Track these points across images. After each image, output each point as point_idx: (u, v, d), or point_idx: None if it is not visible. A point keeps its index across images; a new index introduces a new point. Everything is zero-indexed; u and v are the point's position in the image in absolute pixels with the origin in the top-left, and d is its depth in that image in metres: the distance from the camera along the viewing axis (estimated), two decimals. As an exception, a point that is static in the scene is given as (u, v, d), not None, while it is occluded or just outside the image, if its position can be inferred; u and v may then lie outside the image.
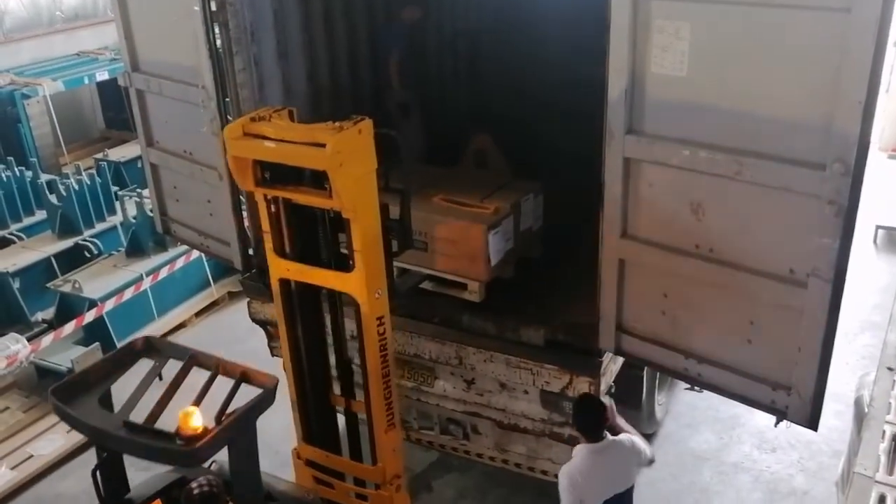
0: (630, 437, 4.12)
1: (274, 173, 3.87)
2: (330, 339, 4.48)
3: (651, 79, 3.62)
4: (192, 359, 3.92)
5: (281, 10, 5.24)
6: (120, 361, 4.03)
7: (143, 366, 4.00)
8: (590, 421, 4.02)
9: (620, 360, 4.68)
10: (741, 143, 3.45)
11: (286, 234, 4.04)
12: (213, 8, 4.71)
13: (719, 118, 3.48)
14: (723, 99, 3.45)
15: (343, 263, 4.00)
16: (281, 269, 4.12)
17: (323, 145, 3.55)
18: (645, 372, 5.40)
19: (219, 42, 4.86)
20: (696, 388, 5.42)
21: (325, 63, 5.87)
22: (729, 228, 3.65)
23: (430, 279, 4.99)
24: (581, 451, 4.00)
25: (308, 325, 4.30)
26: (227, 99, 4.99)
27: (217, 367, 3.88)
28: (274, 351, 5.48)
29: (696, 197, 3.69)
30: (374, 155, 3.75)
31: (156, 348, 4.10)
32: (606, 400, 4.46)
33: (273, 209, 3.99)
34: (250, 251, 5.34)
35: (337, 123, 3.66)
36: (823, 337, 3.49)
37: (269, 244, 4.08)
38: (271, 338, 5.48)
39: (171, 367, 3.96)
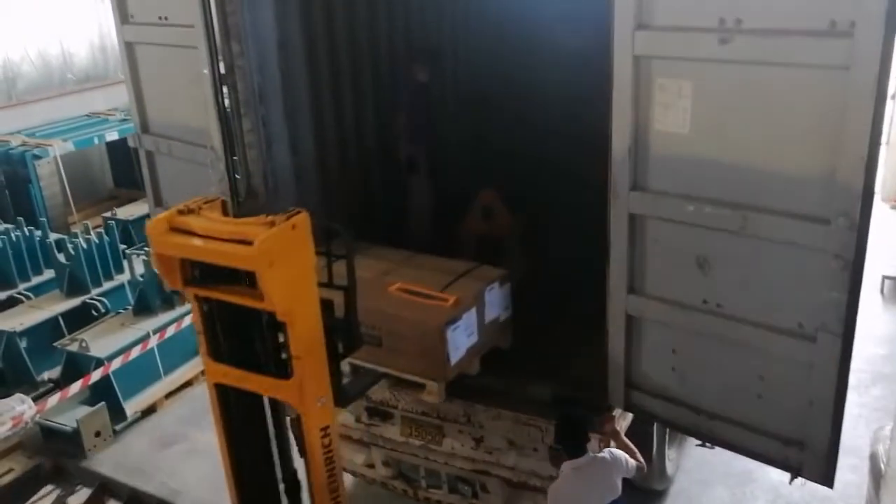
0: (612, 451, 4.19)
1: (204, 271, 3.56)
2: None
3: (654, 136, 3.67)
4: (103, 488, 3.70)
5: (288, 73, 5.34)
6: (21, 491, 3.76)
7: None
8: (569, 437, 4.10)
9: (630, 415, 4.64)
10: (745, 197, 3.48)
11: (221, 336, 3.68)
12: (222, 71, 4.80)
13: (723, 173, 3.52)
14: (726, 154, 3.49)
15: (285, 369, 3.61)
16: (217, 374, 3.74)
17: (252, 242, 3.26)
18: (655, 427, 5.35)
19: (227, 103, 4.94)
20: (707, 443, 5.36)
21: (332, 120, 5.96)
22: (736, 283, 3.66)
23: (387, 377, 4.68)
24: (564, 467, 4.08)
25: (249, 434, 3.85)
26: (235, 158, 5.05)
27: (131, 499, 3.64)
28: (281, 409, 5.44)
29: (703, 252, 3.70)
30: (311, 252, 3.44)
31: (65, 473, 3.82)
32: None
33: (206, 309, 3.65)
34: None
35: (270, 217, 3.39)
36: (835, 391, 3.47)
37: (202, 347, 3.74)
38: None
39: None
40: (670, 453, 5.91)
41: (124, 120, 11.63)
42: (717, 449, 5.14)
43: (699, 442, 6.03)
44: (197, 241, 3.42)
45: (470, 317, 4.58)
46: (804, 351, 3.48)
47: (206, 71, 4.74)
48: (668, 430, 5.55)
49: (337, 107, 6.00)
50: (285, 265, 3.33)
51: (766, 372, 3.69)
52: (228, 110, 4.95)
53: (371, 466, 5.33)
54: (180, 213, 3.54)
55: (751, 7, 3.25)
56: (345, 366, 4.18)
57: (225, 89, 4.89)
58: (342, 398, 3.88)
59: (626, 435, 4.75)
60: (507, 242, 6.08)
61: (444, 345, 4.36)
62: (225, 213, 3.68)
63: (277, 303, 3.37)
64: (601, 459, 4.12)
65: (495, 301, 4.79)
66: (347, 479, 5.54)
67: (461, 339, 4.52)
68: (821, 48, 3.11)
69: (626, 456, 4.20)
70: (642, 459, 4.29)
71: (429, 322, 4.39)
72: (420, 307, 4.53)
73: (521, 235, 6.11)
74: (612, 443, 4.34)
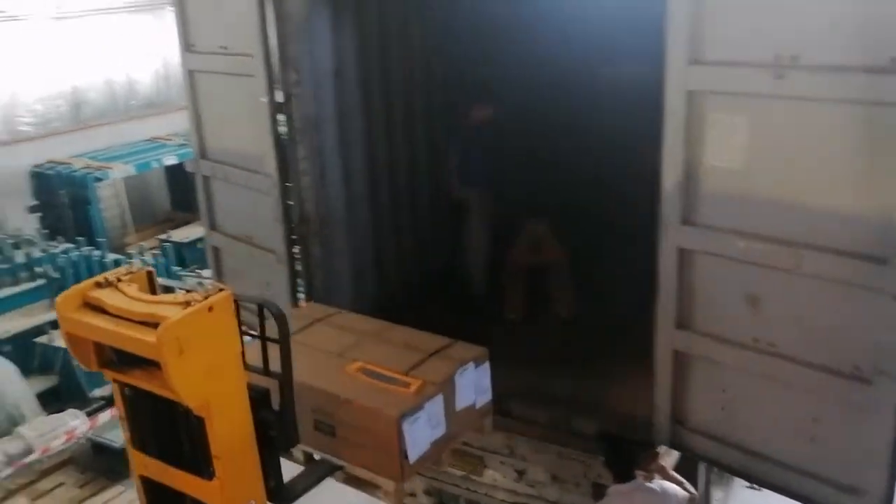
0: (662, 483, 4.09)
1: (121, 353, 3.16)
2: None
3: (706, 171, 3.64)
4: None
5: (343, 102, 5.43)
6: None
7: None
8: (618, 460, 4.04)
9: (676, 453, 4.55)
10: (800, 235, 3.41)
11: (143, 425, 3.34)
12: (280, 99, 4.91)
13: (777, 210, 3.46)
14: (780, 192, 3.44)
15: (208, 467, 3.19)
16: (140, 464, 3.40)
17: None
18: (702, 467, 5.23)
19: (283, 131, 5.04)
20: (755, 486, 5.22)
21: (384, 152, 6.02)
22: (788, 322, 3.58)
23: (342, 470, 4.18)
24: (610, 490, 4.01)
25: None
26: (289, 184, 5.14)
27: None
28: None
29: (753, 289, 3.63)
30: (233, 336, 3.04)
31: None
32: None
33: (128, 394, 3.28)
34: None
35: (186, 295, 2.99)
36: (893, 436, 3.35)
37: (125, 434, 3.44)
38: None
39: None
40: (717, 494, 5.77)
41: (183, 144, 11.96)
42: (766, 491, 5.01)
43: (748, 483, 5.90)
44: (104, 322, 3.02)
45: (435, 406, 3.95)
46: (860, 394, 3.38)
47: (263, 99, 4.86)
48: (715, 470, 5.42)
49: (389, 138, 6.07)
50: (200, 353, 2.90)
51: (820, 414, 3.58)
52: (284, 137, 5.06)
53: (413, 495, 5.31)
54: (98, 285, 3.15)
55: (807, 43, 3.22)
56: (297, 452, 4.03)
57: (281, 117, 5.01)
58: (284, 496, 3.47)
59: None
60: (555, 275, 6.06)
61: (399, 440, 3.76)
62: (152, 286, 3.26)
63: (187, 397, 2.95)
64: (649, 489, 4.05)
65: (469, 385, 4.19)
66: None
67: (422, 433, 3.89)
68: (879, 85, 3.06)
69: (677, 488, 4.12)
70: (693, 489, 4.21)
71: (384, 412, 3.80)
72: (377, 393, 3.96)
73: (568, 268, 6.08)
74: (659, 478, 4.26)
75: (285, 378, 3.34)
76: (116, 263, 9.13)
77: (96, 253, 9.52)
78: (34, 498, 6.61)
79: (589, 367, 5.06)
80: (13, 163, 11.80)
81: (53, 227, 11.21)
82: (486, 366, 4.29)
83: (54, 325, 8.53)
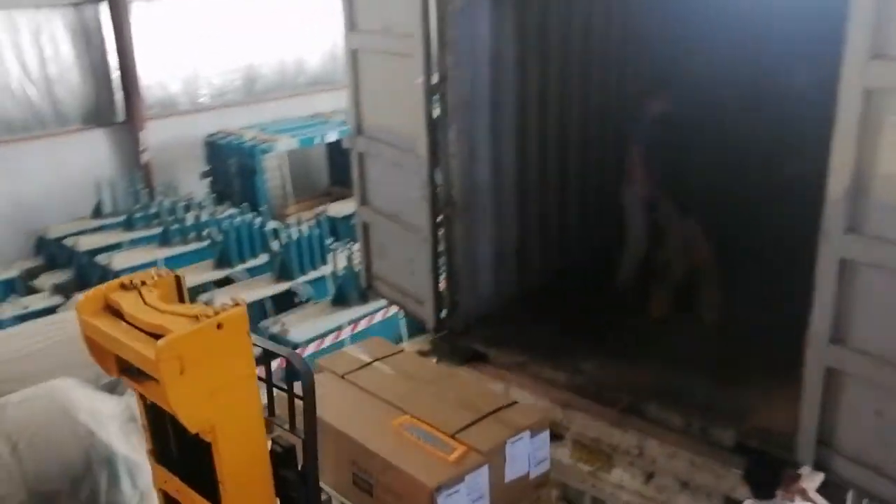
0: None
1: None
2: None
3: (878, 178, 3.37)
4: None
5: (498, 87, 5.44)
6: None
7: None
8: (761, 476, 3.85)
9: (820, 476, 4.27)
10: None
11: (162, 437, 3.20)
12: (435, 80, 4.98)
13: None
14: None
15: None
16: (159, 478, 3.29)
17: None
18: (850, 495, 4.89)
19: (436, 112, 5.11)
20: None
21: (536, 143, 5.97)
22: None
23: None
24: None
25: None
26: (438, 165, 5.21)
27: None
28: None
29: (923, 308, 3.34)
30: (247, 358, 2.81)
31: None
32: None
33: (149, 403, 3.13)
34: (443, 313, 5.49)
35: (198, 309, 2.79)
36: None
37: (147, 445, 3.33)
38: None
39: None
40: (865, 526, 5.38)
41: (344, 122, 12.38)
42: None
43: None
44: (115, 329, 2.88)
45: (477, 477, 3.64)
46: None
47: (419, 79, 4.94)
48: (866, 501, 5.05)
49: (541, 125, 6.01)
50: (204, 373, 2.68)
51: None
52: (437, 119, 5.12)
53: (537, 486, 5.29)
54: (122, 287, 3.01)
55: None
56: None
57: (436, 98, 5.08)
58: None
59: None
60: (704, 277, 5.82)
61: None
62: (180, 293, 3.09)
63: (187, 419, 2.74)
64: None
65: (522, 455, 3.85)
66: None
67: None
68: None
69: None
70: None
71: (419, 482, 3.54)
72: (417, 456, 3.70)
73: (718, 271, 5.82)
74: (800, 500, 4.02)
75: (309, 440, 3.09)
76: (275, 231, 9.62)
77: (258, 220, 10.05)
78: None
79: (731, 375, 4.84)
80: (191, 131, 12.66)
81: (222, 193, 11.94)
82: (545, 434, 3.97)
83: (217, 283, 9.12)
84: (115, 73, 12.02)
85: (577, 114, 6.31)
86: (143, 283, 3.00)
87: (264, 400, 3.20)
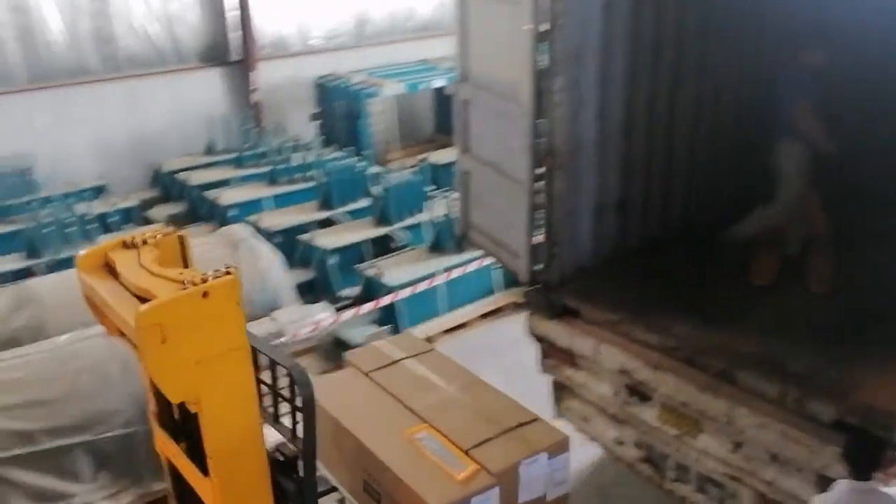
0: None
1: None
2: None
3: None
4: None
5: (609, 37, 5.26)
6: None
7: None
8: (862, 456, 3.62)
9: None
10: None
11: (163, 400, 3.13)
12: (543, 28, 4.86)
13: None
14: None
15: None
16: (159, 440, 3.25)
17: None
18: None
19: (542, 61, 5.00)
20: None
21: (646, 94, 5.77)
22: None
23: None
24: (841, 485, 3.61)
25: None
26: (542, 117, 5.12)
27: None
28: (545, 368, 5.54)
29: None
30: (236, 328, 2.69)
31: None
32: None
33: None
34: (538, 266, 5.44)
35: (186, 274, 2.64)
36: None
37: (151, 406, 3.28)
38: (545, 355, 5.54)
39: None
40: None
41: (451, 69, 12.30)
42: None
43: None
44: (106, 291, 2.81)
45: (486, 499, 3.53)
46: None
47: (527, 27, 4.83)
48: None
49: (653, 78, 5.80)
50: (188, 342, 2.57)
51: None
52: (543, 67, 5.01)
53: (621, 444, 5.25)
54: (124, 245, 2.97)
55: None
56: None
57: (543, 46, 4.96)
58: None
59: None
60: (817, 247, 5.56)
61: None
62: (183, 254, 2.94)
63: (169, 389, 2.66)
64: (886, 496, 3.63)
65: (538, 477, 3.74)
66: (596, 450, 5.53)
67: None
68: None
69: None
70: None
71: (423, 500, 3.46)
72: (426, 472, 3.60)
73: (833, 242, 5.54)
74: None
75: (307, 453, 3.01)
76: (377, 176, 9.73)
77: (361, 164, 10.19)
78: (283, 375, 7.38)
79: (835, 349, 4.62)
80: (302, 73, 12.89)
81: (329, 136, 12.15)
82: (565, 457, 3.84)
83: (319, 224, 9.34)
84: (232, 13, 12.30)
85: (693, 65, 6.03)
86: (145, 242, 2.91)
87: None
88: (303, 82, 12.87)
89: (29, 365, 5.68)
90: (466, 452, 3.75)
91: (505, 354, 7.67)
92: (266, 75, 12.70)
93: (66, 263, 8.29)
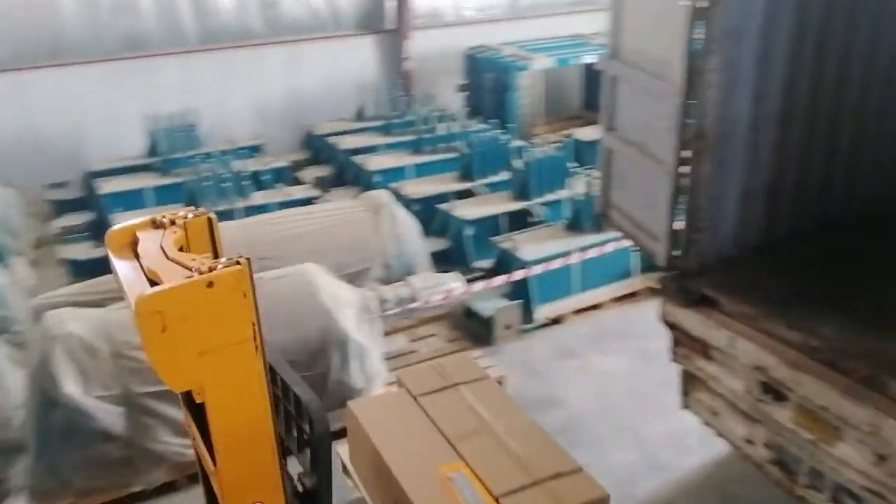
0: None
1: None
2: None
3: None
4: None
5: (772, 16, 4.97)
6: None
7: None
8: None
9: None
10: None
11: None
12: (701, 4, 4.65)
13: None
14: None
15: None
16: (186, 421, 3.22)
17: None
18: None
19: (698, 39, 4.80)
20: None
21: (808, 78, 5.42)
22: None
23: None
24: None
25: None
26: (692, 98, 4.92)
27: None
28: (676, 356, 5.39)
29: None
30: (244, 319, 2.61)
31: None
32: None
33: None
34: (677, 252, 5.28)
35: (197, 261, 2.56)
36: None
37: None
38: (677, 343, 5.39)
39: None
40: None
41: (604, 45, 12.02)
42: None
43: None
44: (124, 270, 2.78)
45: None
46: None
47: (684, 2, 4.64)
48: None
49: (819, 62, 5.43)
50: (191, 331, 2.51)
51: None
52: (697, 46, 4.81)
53: (750, 443, 5.04)
54: (154, 224, 2.93)
55: None
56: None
57: (699, 24, 4.76)
58: None
59: None
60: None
61: None
62: (212, 236, 2.89)
63: (169, 378, 2.60)
64: None
65: None
66: (721, 446, 5.35)
67: None
68: None
69: None
70: None
71: None
72: None
73: None
74: None
75: (320, 492, 2.96)
76: (520, 150, 9.70)
77: (504, 137, 10.18)
78: (411, 340, 7.56)
79: None
80: (453, 44, 12.99)
81: (475, 107, 12.20)
82: None
83: (458, 195, 9.43)
84: (389, -18, 12.55)
85: (865, 45, 5.59)
86: (173, 222, 2.87)
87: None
88: (453, 53, 12.96)
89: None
90: (497, 500, 3.70)
91: (635, 340, 7.54)
92: (418, 45, 12.88)
93: (221, 216, 8.75)
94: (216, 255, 3.05)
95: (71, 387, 5.49)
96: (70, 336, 5.61)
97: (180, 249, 2.87)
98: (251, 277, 2.61)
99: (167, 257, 2.73)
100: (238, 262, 2.57)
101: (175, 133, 10.55)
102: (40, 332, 5.76)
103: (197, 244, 3.01)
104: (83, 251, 9.03)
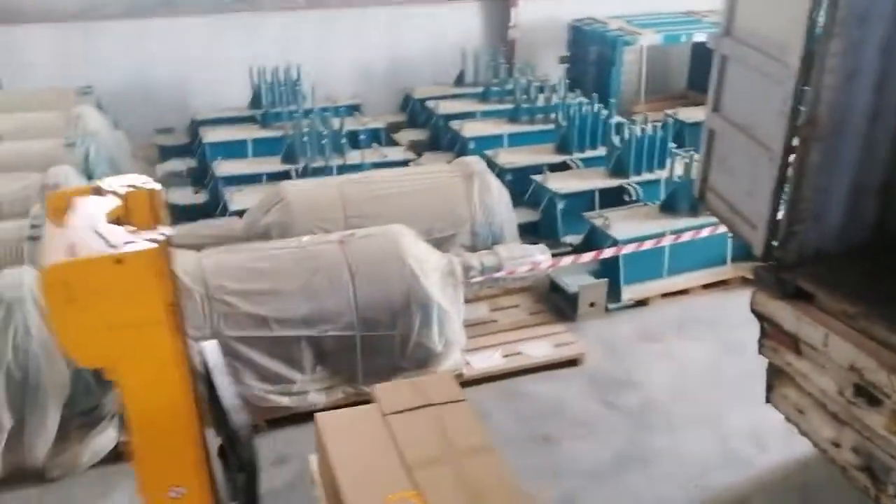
0: None
1: None
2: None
3: None
4: None
5: (905, -2, 4.69)
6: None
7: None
8: None
9: None
10: None
11: None
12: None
13: None
14: None
15: None
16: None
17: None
18: None
19: (820, 20, 4.57)
20: None
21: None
22: None
23: None
24: None
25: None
26: (805, 88, 4.70)
27: None
28: (764, 349, 5.23)
29: None
30: (156, 299, 2.54)
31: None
32: None
33: None
34: (776, 242, 5.09)
35: (121, 237, 2.49)
36: None
37: None
38: (765, 335, 5.22)
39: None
40: None
41: (716, 24, 11.60)
42: None
43: None
44: (51, 236, 2.75)
45: None
46: None
47: (810, -19, 4.43)
48: None
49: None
50: (98, 306, 2.45)
51: None
52: (819, 28, 4.58)
53: (837, 446, 4.85)
54: (96, 191, 2.86)
55: None
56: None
57: (823, 5, 4.53)
58: None
59: None
60: None
61: None
62: (153, 209, 2.80)
63: (75, 353, 2.56)
64: None
65: None
66: (805, 447, 5.17)
67: None
68: None
69: None
70: None
71: None
72: None
73: None
74: None
75: (249, 466, 2.93)
76: (619, 126, 9.49)
77: (604, 112, 9.97)
78: (492, 309, 7.57)
79: None
80: (559, 13, 12.75)
81: (575, 80, 11.96)
82: None
83: (552, 167, 9.32)
84: (500, -52, 12.39)
85: None
86: (115, 192, 2.81)
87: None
88: (558, 24, 12.73)
89: (273, 258, 6.27)
90: None
91: (722, 329, 7.36)
92: (524, 13, 12.71)
93: (316, 172, 8.98)
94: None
95: (165, 324, 5.72)
96: (167, 276, 5.84)
97: (118, 221, 2.83)
98: (168, 258, 2.58)
99: (96, 228, 2.66)
100: (156, 240, 2.53)
101: (278, 87, 10.77)
102: (140, 270, 6.01)
103: (140, 217, 2.95)
104: (184, 196, 9.36)
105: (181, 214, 8.94)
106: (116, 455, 5.73)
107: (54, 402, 5.56)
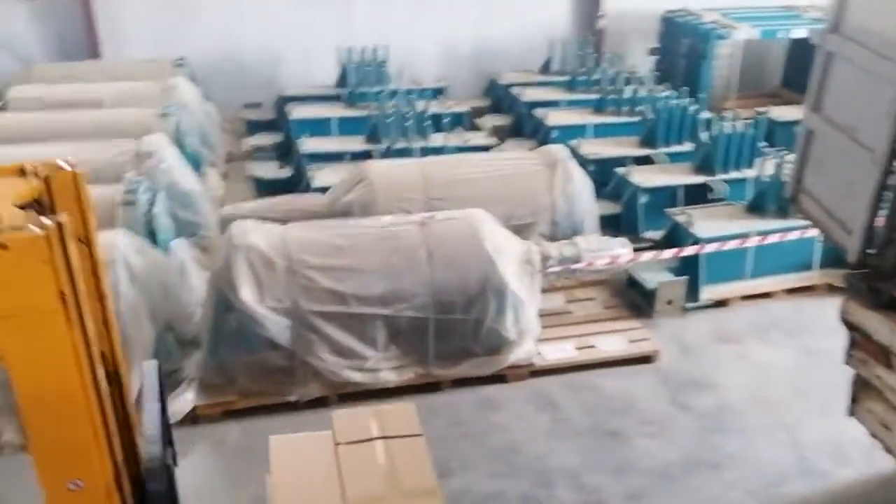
0: None
1: None
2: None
3: None
4: None
5: None
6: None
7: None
8: None
9: None
10: None
11: None
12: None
13: None
14: None
15: None
16: None
17: None
18: None
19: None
20: None
21: None
22: None
23: None
24: None
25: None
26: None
27: None
28: (851, 360, 5.04)
29: None
30: (45, 288, 2.48)
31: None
32: None
33: None
34: (871, 249, 4.89)
35: (14, 222, 2.42)
36: None
37: None
38: (853, 345, 5.03)
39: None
40: None
41: (817, 19, 11.18)
42: None
43: None
44: None
45: None
46: None
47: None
48: None
49: None
50: None
51: None
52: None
53: (888, 428, 4.66)
54: (21, 172, 2.80)
55: None
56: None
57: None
58: None
59: None
60: None
61: None
62: (77, 193, 2.76)
63: None
64: None
65: None
66: (889, 464, 4.98)
67: None
68: None
69: None
70: None
71: None
72: None
73: None
74: None
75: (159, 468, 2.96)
76: (708, 122, 9.25)
77: (693, 107, 9.72)
78: (568, 301, 7.49)
79: None
80: (651, 4, 12.48)
81: (664, 73, 11.72)
82: None
83: (636, 160, 9.15)
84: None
85: None
86: (37, 174, 2.76)
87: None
88: (649, 14, 12.47)
89: (354, 236, 6.35)
90: None
91: (803, 335, 7.15)
92: (615, 2, 12.50)
93: (399, 153, 9.03)
94: (83, 215, 3.01)
95: (247, 294, 5.87)
96: (252, 247, 5.98)
97: (36, 202, 2.80)
98: (57, 246, 2.52)
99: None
100: (42, 226, 2.46)
101: (365, 67, 10.86)
102: (225, 240, 6.17)
103: (63, 200, 2.91)
104: (269, 170, 9.56)
105: (265, 188, 9.14)
106: (193, 417, 5.92)
107: (138, 364, 5.76)
